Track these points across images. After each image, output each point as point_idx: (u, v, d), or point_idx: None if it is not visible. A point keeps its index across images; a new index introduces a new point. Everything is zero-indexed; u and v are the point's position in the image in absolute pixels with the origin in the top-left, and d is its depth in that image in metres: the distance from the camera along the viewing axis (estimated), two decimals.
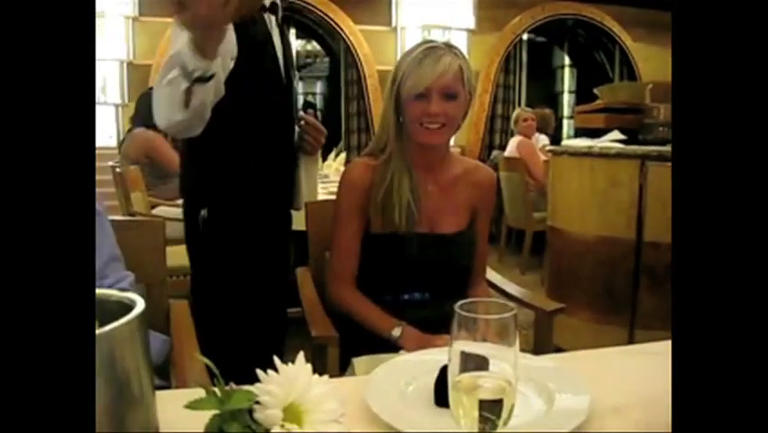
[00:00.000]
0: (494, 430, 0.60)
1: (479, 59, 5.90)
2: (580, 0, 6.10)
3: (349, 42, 5.67)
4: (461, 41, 5.73)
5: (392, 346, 1.32)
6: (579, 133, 4.17)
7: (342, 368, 1.37)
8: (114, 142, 4.77)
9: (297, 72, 1.76)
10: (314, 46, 6.81)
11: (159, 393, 0.60)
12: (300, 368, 0.58)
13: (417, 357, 0.98)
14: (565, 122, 7.07)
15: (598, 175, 2.68)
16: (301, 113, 1.70)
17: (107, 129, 4.92)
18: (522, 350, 0.62)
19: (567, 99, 7.46)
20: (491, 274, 1.69)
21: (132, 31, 5.07)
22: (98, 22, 4.75)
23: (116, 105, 5.06)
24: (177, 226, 3.45)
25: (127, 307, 0.58)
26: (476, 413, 0.59)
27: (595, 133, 3.34)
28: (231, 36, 1.36)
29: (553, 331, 1.52)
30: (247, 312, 1.59)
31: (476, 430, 0.60)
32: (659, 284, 2.50)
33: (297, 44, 6.21)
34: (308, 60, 7.28)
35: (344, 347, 1.35)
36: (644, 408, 0.78)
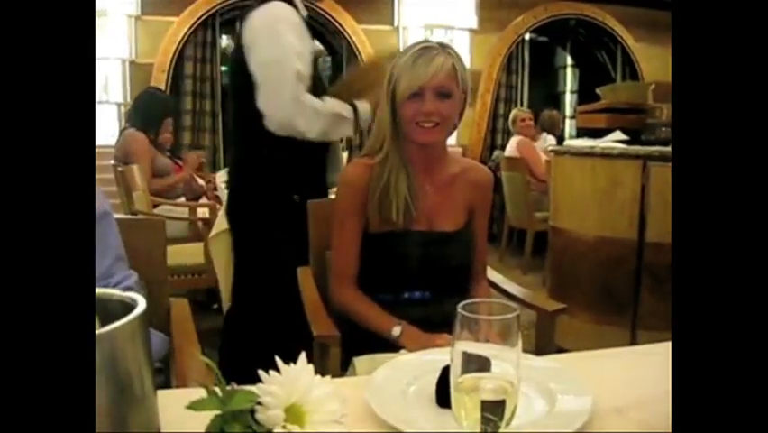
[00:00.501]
0: (496, 431, 0.60)
1: (481, 58, 5.89)
2: (582, 0, 6.09)
3: (351, 42, 5.66)
4: (463, 41, 5.72)
5: (393, 346, 1.32)
6: (581, 133, 4.16)
7: (344, 367, 1.37)
8: (115, 141, 4.76)
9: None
10: (315, 46, 6.81)
11: (160, 393, 0.60)
12: (302, 368, 0.58)
13: (419, 357, 0.98)
14: (567, 122, 7.04)
15: (599, 175, 2.67)
16: None
17: (109, 128, 4.91)
18: (524, 350, 0.62)
19: (569, 99, 7.44)
20: (492, 274, 1.69)
21: (135, 29, 5.06)
22: (101, 20, 4.75)
23: (118, 104, 5.05)
24: (178, 225, 3.46)
25: (129, 306, 0.58)
26: (478, 414, 0.59)
27: (597, 134, 3.33)
28: None
29: (555, 331, 1.52)
30: None
31: (478, 431, 0.60)
32: (661, 285, 2.49)
33: None
34: None
35: (346, 347, 1.35)
36: (645, 408, 0.78)
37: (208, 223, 2.88)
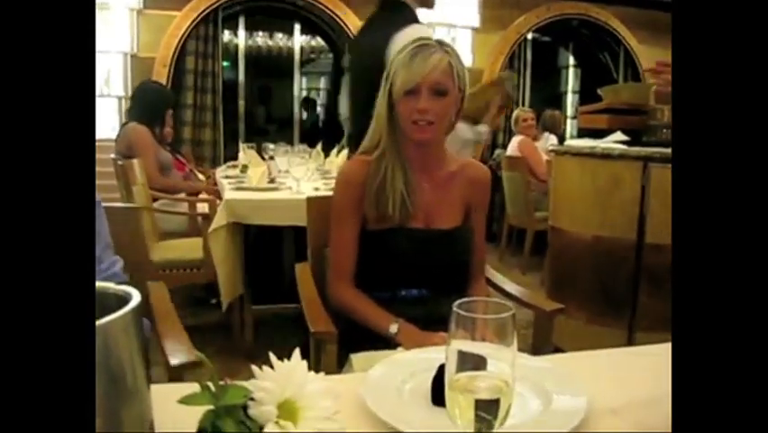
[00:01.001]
0: (490, 430, 0.59)
1: (483, 57, 5.88)
2: (585, 0, 6.08)
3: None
4: (465, 40, 5.72)
5: (391, 343, 1.32)
6: (582, 133, 4.16)
7: (341, 364, 1.37)
8: (116, 135, 4.76)
9: None
10: (318, 42, 6.80)
11: (153, 387, 0.60)
12: (296, 364, 0.58)
13: (415, 355, 0.98)
14: (569, 122, 7.04)
15: (600, 176, 2.67)
16: None
17: (110, 121, 4.90)
18: (520, 350, 0.62)
19: (571, 99, 7.43)
20: (490, 273, 1.69)
21: (137, 23, 5.06)
22: (103, 13, 4.74)
23: (119, 98, 5.05)
24: (177, 220, 3.45)
25: (122, 299, 0.58)
26: (472, 413, 0.59)
27: (598, 134, 3.32)
28: None
29: (553, 331, 1.52)
30: None
31: (472, 430, 0.59)
32: (660, 286, 2.49)
33: (301, 40, 6.19)
34: (312, 56, 7.27)
35: (343, 343, 1.35)
36: (641, 409, 0.78)
37: (208, 218, 2.87)
